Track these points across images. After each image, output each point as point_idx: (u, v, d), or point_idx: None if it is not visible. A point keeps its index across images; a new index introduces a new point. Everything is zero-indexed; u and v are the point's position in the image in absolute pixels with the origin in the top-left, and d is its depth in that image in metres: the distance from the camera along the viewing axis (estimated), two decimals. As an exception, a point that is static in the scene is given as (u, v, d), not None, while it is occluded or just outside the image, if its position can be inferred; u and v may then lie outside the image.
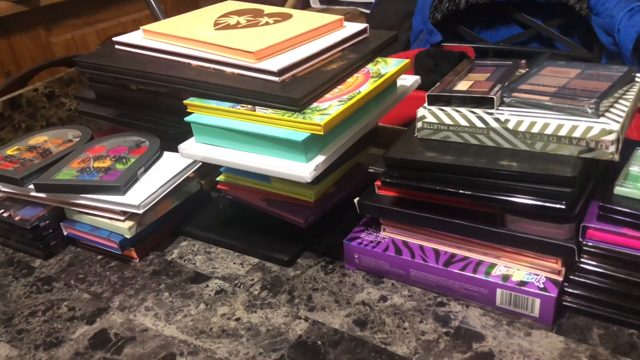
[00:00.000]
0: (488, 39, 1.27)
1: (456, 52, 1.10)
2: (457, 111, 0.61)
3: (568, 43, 1.18)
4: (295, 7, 1.86)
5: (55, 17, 1.84)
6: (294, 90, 0.64)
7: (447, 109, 0.61)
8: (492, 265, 0.62)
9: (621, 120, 0.55)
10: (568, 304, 0.59)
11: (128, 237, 0.73)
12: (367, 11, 1.80)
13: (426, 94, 0.63)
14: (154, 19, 1.46)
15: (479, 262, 0.63)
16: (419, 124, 0.63)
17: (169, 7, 2.08)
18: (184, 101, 0.69)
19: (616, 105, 0.58)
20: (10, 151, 0.84)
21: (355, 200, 0.68)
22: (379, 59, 0.75)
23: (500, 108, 0.60)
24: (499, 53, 1.24)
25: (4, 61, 1.74)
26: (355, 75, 0.71)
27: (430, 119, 0.62)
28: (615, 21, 1.02)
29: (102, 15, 1.97)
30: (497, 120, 0.59)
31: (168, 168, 0.78)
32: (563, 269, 0.59)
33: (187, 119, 0.69)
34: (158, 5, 1.48)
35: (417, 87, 0.80)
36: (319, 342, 0.60)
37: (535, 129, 0.57)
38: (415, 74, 0.84)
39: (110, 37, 0.90)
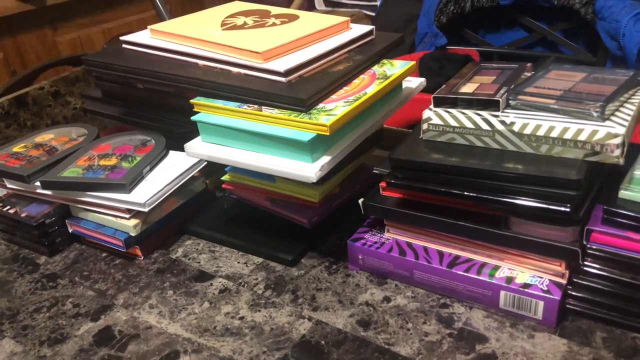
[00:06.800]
0: (493, 42, 1.27)
1: (461, 55, 1.10)
2: (463, 113, 0.61)
3: (573, 47, 1.18)
4: (300, 9, 1.86)
5: (61, 16, 1.85)
6: (301, 90, 0.65)
7: (453, 110, 0.62)
8: (496, 267, 0.62)
9: (626, 124, 0.55)
10: (571, 306, 0.59)
11: (133, 235, 0.74)
12: (372, 14, 1.81)
13: (432, 96, 0.63)
14: (160, 19, 1.46)
15: (483, 264, 0.63)
16: (425, 126, 0.64)
17: (174, 8, 2.09)
18: (191, 100, 0.70)
19: (622, 109, 0.58)
20: (17, 148, 0.85)
21: (360, 201, 0.68)
22: (385, 60, 0.75)
23: (505, 110, 0.61)
24: (504, 56, 1.24)
25: (10, 59, 1.75)
26: (362, 76, 0.71)
27: (435, 120, 0.63)
28: (621, 26, 1.02)
29: (107, 15, 1.97)
30: (502, 122, 0.59)
31: (173, 167, 0.78)
32: (567, 271, 0.59)
33: (193, 118, 0.69)
34: (164, 5, 1.49)
35: (422, 89, 0.80)
36: (323, 342, 0.60)
37: (540, 132, 0.57)
38: (420, 76, 0.84)
39: (116, 36, 0.91)
